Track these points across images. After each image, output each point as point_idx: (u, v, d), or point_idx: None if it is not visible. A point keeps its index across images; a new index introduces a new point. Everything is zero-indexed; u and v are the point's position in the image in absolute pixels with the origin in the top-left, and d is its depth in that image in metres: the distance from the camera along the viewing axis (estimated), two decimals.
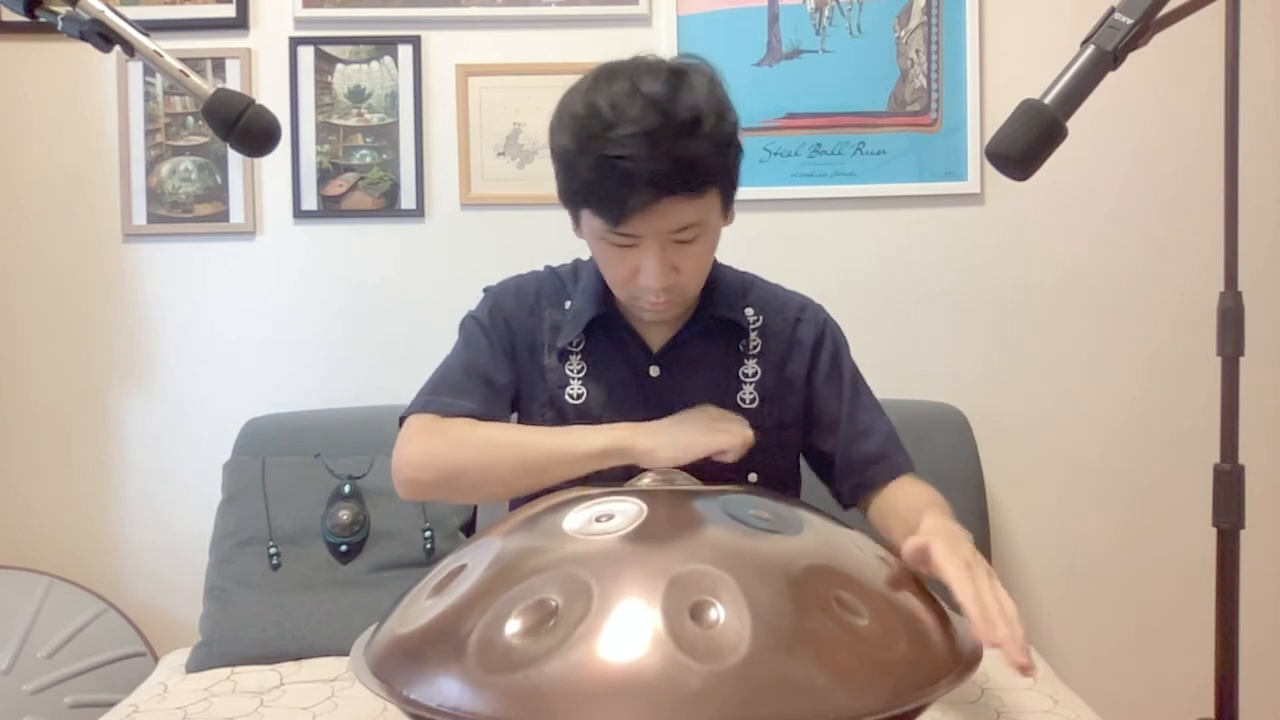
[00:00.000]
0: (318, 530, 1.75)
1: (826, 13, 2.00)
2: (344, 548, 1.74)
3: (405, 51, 2.01)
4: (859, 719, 0.69)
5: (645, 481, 0.96)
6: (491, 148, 2.01)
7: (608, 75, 1.04)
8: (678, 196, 1.02)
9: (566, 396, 1.20)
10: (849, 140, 2.01)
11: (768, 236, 1.96)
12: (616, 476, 1.07)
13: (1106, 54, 0.92)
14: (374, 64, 2.01)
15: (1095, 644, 2.06)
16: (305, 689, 1.53)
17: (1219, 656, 1.00)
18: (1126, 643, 2.06)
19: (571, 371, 1.21)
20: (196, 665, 1.66)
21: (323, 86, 2.01)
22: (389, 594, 0.92)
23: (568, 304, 1.24)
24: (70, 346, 2.03)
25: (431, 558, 1.74)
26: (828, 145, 2.01)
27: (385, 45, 2.01)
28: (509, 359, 1.22)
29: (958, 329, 2.03)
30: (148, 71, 1.99)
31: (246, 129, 0.95)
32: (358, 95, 2.01)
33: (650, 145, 0.99)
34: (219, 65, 2.01)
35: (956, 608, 0.83)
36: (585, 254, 1.26)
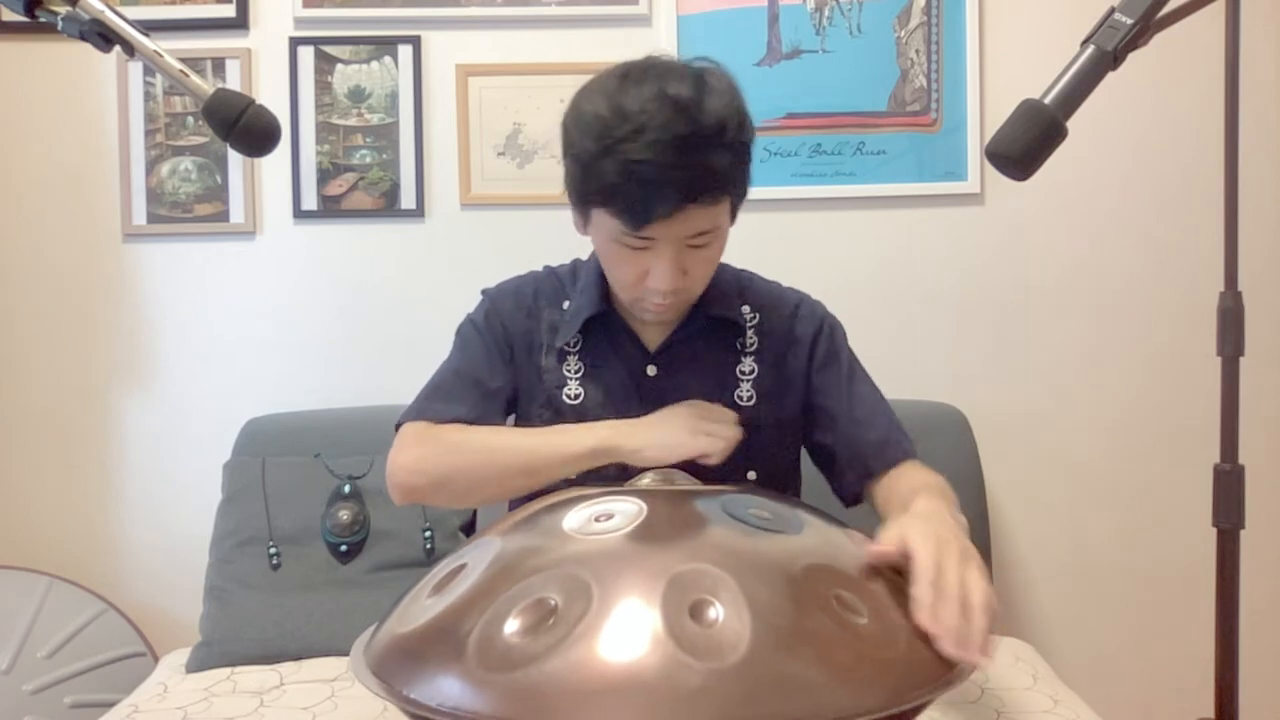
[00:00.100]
0: (318, 530, 1.75)
1: (826, 13, 2.00)
2: (344, 548, 1.74)
3: (405, 51, 2.01)
4: (859, 718, 0.68)
5: (645, 481, 0.96)
6: (491, 148, 2.01)
7: (634, 77, 1.03)
8: (699, 204, 1.03)
9: (564, 396, 1.20)
10: (849, 140, 2.01)
11: (768, 236, 1.96)
12: (612, 476, 1.07)
13: (1106, 54, 0.92)
14: (374, 64, 2.01)
15: (1095, 644, 2.06)
16: (305, 689, 1.53)
17: (1219, 656, 1.00)
18: (1126, 643, 2.06)
19: (569, 372, 1.21)
20: (196, 665, 1.66)
21: (323, 86, 2.01)
22: (389, 594, 0.92)
23: (566, 304, 1.24)
24: (70, 346, 2.03)
25: (431, 558, 1.74)
26: (828, 145, 2.01)
27: (385, 45, 2.01)
28: (505, 362, 1.23)
29: (958, 329, 2.03)
30: (148, 71, 1.99)
31: (246, 129, 0.95)
32: (358, 95, 2.02)
33: (678, 153, 0.99)
34: (219, 65, 2.01)
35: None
36: (585, 253, 1.27)
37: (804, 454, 1.29)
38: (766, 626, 0.71)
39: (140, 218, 2.01)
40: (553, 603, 0.73)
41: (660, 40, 1.98)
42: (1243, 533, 0.99)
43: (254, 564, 1.73)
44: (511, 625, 0.73)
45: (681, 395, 1.18)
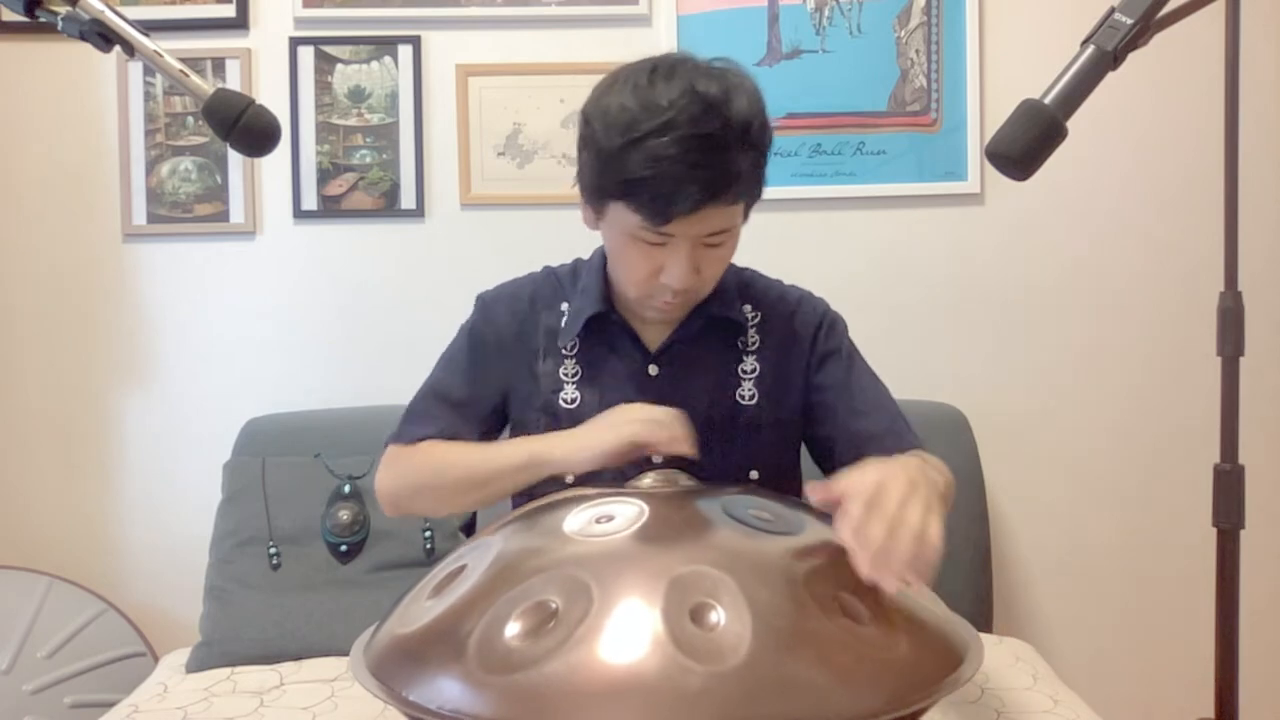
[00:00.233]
0: (318, 530, 1.75)
1: (826, 13, 2.00)
2: (344, 548, 1.74)
3: (405, 51, 2.01)
4: None
5: (646, 482, 0.95)
6: (491, 148, 2.01)
7: (663, 72, 1.03)
8: (720, 203, 1.03)
9: (560, 401, 1.20)
10: (849, 140, 2.01)
11: (768, 236, 1.95)
12: (610, 477, 1.07)
13: (1106, 54, 0.92)
14: (374, 64, 2.01)
15: (1095, 644, 2.06)
16: (305, 689, 1.53)
17: (1219, 656, 1.00)
18: (1126, 643, 2.06)
19: (566, 376, 1.21)
20: (196, 665, 1.66)
21: (323, 86, 2.01)
22: (389, 594, 0.92)
23: (564, 305, 1.23)
24: (70, 346, 2.03)
25: (431, 558, 1.74)
26: (828, 145, 2.01)
27: (385, 45, 2.01)
28: (486, 371, 1.24)
29: (958, 329, 2.03)
30: (148, 71, 1.99)
31: (246, 129, 0.95)
32: (358, 95, 2.01)
33: (706, 150, 0.99)
34: (219, 65, 2.01)
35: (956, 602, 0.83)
36: (586, 253, 1.26)
37: (804, 456, 1.28)
38: (767, 628, 0.71)
39: (140, 218, 2.01)
40: (553, 605, 0.73)
41: (660, 40, 1.97)
42: (1243, 533, 0.99)
43: (254, 564, 1.73)
44: (512, 627, 0.73)
45: (683, 395, 1.17)
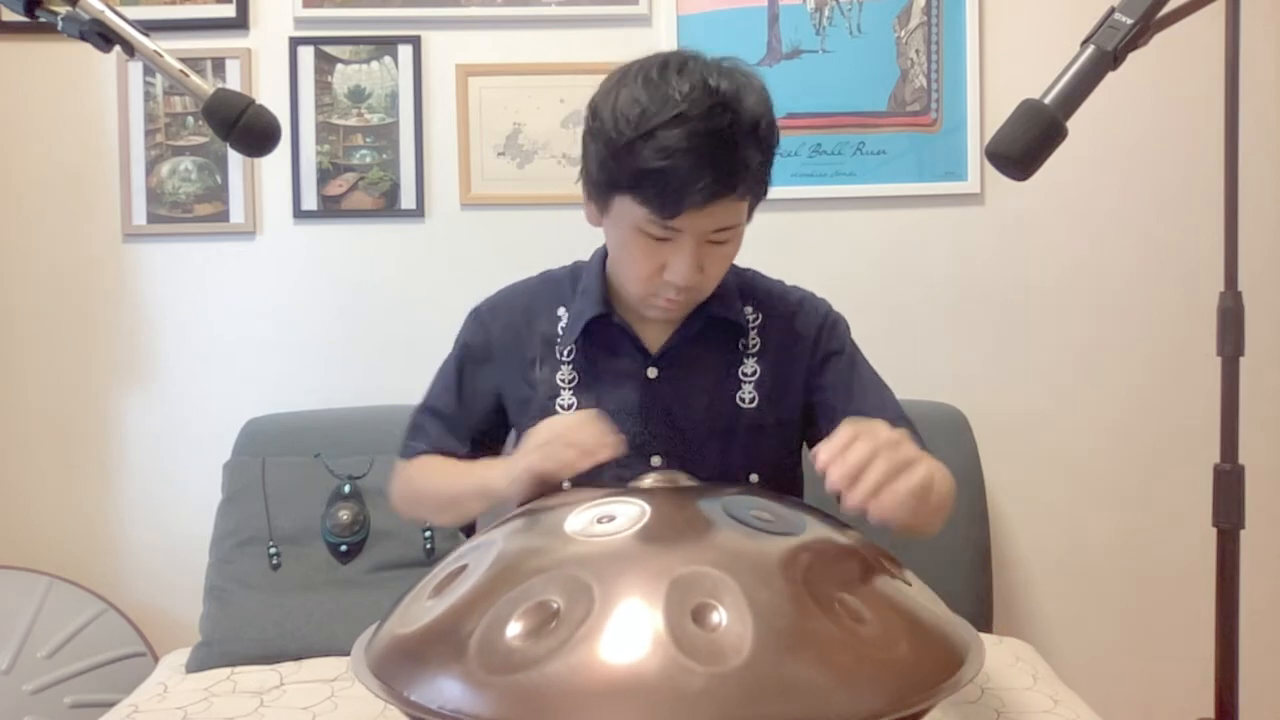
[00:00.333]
0: (318, 530, 1.75)
1: (826, 13, 2.00)
2: (344, 548, 1.74)
3: (405, 51, 2.01)
4: None
5: (647, 482, 0.95)
6: (491, 148, 2.01)
7: (674, 66, 1.03)
8: (730, 198, 1.03)
9: (557, 407, 1.20)
10: (849, 140, 2.01)
11: (768, 236, 1.93)
12: (612, 477, 1.07)
13: (1106, 54, 0.92)
14: (374, 64, 2.01)
15: (1095, 644, 2.06)
16: (305, 689, 1.53)
17: (1219, 656, 1.00)
18: (1126, 643, 2.06)
19: (563, 381, 1.21)
20: (196, 665, 1.66)
21: (323, 86, 2.01)
22: (389, 594, 0.92)
23: (561, 310, 1.23)
24: (70, 346, 2.03)
25: (431, 558, 1.74)
26: (828, 145, 2.01)
27: (385, 45, 2.01)
28: (480, 384, 1.26)
29: (958, 329, 2.03)
30: (148, 71, 1.99)
31: (246, 129, 0.95)
32: (358, 95, 2.01)
33: (717, 144, 1.00)
34: (219, 65, 2.01)
35: (951, 600, 0.83)
36: (586, 254, 1.26)
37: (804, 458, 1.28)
38: (768, 629, 0.71)
39: (140, 218, 2.01)
40: (554, 605, 0.73)
41: (660, 40, 1.97)
42: (1243, 533, 0.99)
43: (254, 564, 1.73)
44: (513, 627, 0.73)
45: (683, 398, 1.18)
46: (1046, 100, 0.93)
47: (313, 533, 1.75)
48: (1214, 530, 1.00)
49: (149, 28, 0.95)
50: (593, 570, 0.76)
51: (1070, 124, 0.93)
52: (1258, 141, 1.97)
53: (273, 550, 1.74)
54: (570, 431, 1.03)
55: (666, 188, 1.00)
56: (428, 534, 1.76)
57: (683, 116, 0.99)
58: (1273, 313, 1.98)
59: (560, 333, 1.22)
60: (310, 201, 2.02)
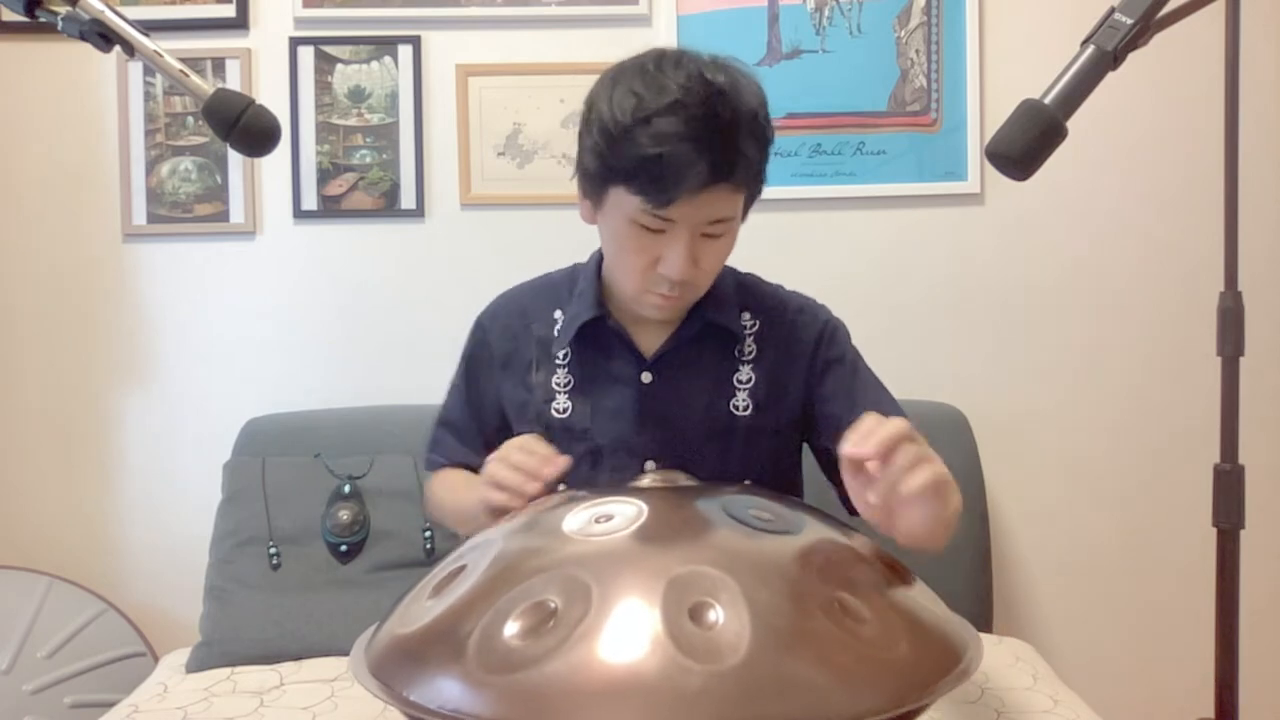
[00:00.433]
0: (318, 530, 1.75)
1: (826, 13, 2.00)
2: (344, 548, 1.74)
3: (405, 51, 2.01)
4: None
5: (645, 482, 0.95)
6: (491, 148, 2.01)
7: (670, 59, 1.04)
8: (724, 186, 1.03)
9: (552, 411, 1.20)
10: (849, 140, 2.01)
11: (768, 236, 1.96)
12: (610, 478, 1.07)
13: (1106, 54, 0.92)
14: (374, 64, 2.01)
15: (1095, 644, 2.06)
16: (305, 689, 1.53)
17: (1219, 656, 1.00)
18: (1126, 643, 2.06)
19: (558, 385, 1.21)
20: (196, 665, 1.66)
21: (323, 86, 2.01)
22: (389, 594, 0.92)
23: (557, 313, 1.23)
24: (70, 346, 2.03)
25: (431, 558, 1.74)
26: (828, 145, 2.01)
27: (385, 45, 2.01)
28: (486, 393, 1.27)
29: (958, 329, 2.03)
30: (148, 71, 1.99)
31: (246, 129, 0.95)
32: (358, 95, 2.01)
33: (713, 131, 1.00)
34: (219, 65, 2.01)
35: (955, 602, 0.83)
36: (586, 253, 1.26)
37: (805, 461, 1.28)
38: (766, 628, 0.71)
39: (140, 218, 2.01)
40: (552, 605, 0.73)
41: (660, 40, 1.96)
42: (1243, 533, 0.99)
43: (254, 564, 1.73)
44: (511, 627, 0.73)
45: (678, 403, 1.17)
46: (1046, 100, 0.93)
47: (313, 533, 1.75)
48: (1214, 530, 1.00)
49: (149, 28, 0.95)
50: (591, 570, 0.76)
51: (1070, 124, 0.93)
52: (1258, 141, 1.97)
53: (273, 550, 1.74)
54: (511, 455, 1.02)
55: (662, 174, 1.00)
56: (428, 534, 1.76)
57: (679, 104, 1.00)
58: (1273, 313, 1.98)
59: (556, 336, 1.22)
60: (310, 201, 2.02)
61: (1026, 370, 2.04)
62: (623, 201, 1.05)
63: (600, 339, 1.20)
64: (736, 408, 1.19)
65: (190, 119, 2.01)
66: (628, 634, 0.70)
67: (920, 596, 0.86)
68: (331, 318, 2.04)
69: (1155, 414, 2.03)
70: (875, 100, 2.01)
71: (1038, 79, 0.96)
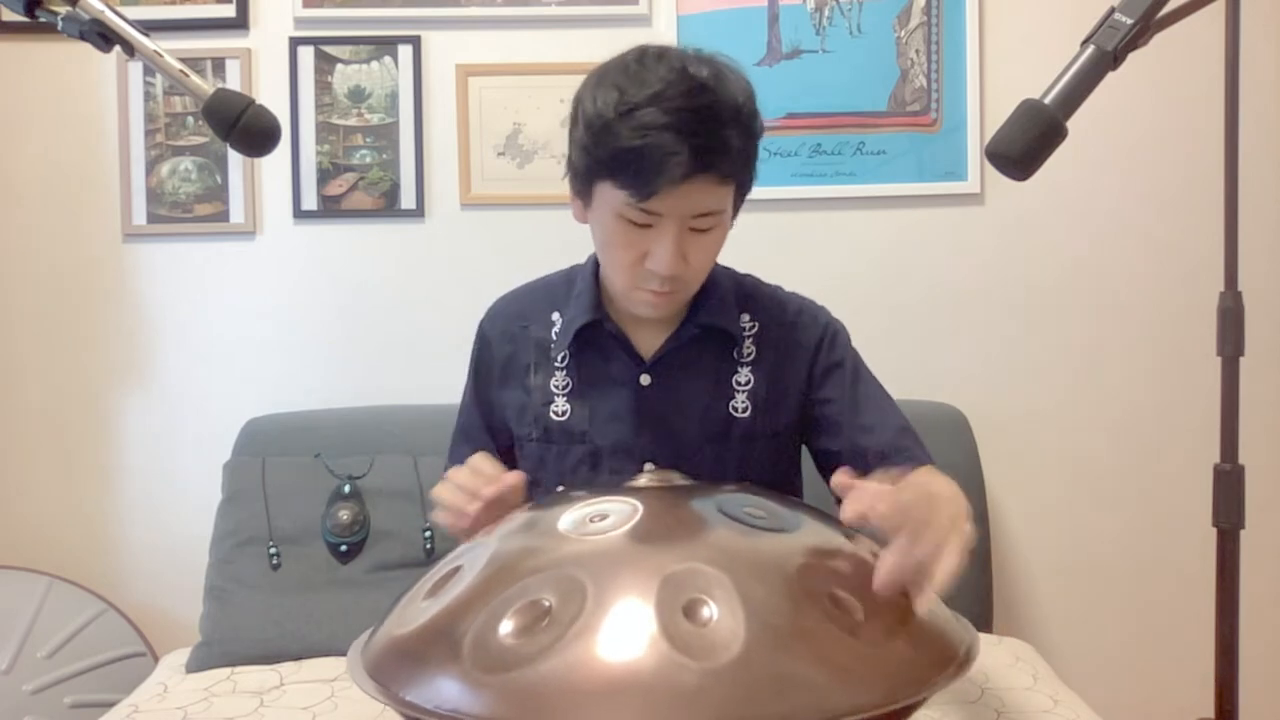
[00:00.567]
0: (318, 530, 1.75)
1: (826, 13, 2.00)
2: (344, 548, 1.74)
3: (405, 51, 2.01)
4: (854, 716, 0.68)
5: (641, 481, 0.95)
6: (491, 148, 2.01)
7: (653, 54, 1.05)
8: (709, 177, 1.02)
9: (551, 414, 1.20)
10: (849, 140, 2.01)
11: (768, 236, 1.96)
12: (608, 479, 1.07)
13: (1106, 54, 0.92)
14: (374, 64, 2.01)
15: (1095, 644, 2.06)
16: (305, 689, 1.53)
17: (1219, 656, 1.00)
18: (1126, 643, 2.06)
19: (556, 388, 1.20)
20: (196, 665, 1.66)
21: (323, 86, 2.01)
22: (389, 594, 0.92)
23: (555, 316, 1.23)
24: (70, 347, 2.03)
25: (431, 558, 1.74)
26: (828, 145, 2.01)
27: (385, 45, 2.01)
28: (492, 398, 1.27)
29: (958, 329, 2.03)
30: (148, 71, 1.99)
31: (246, 129, 0.95)
32: (358, 95, 2.02)
33: (695, 121, 1.00)
34: (219, 65, 2.01)
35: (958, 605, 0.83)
36: (583, 257, 1.26)
37: (805, 463, 1.28)
38: (761, 625, 0.71)
39: (140, 218, 2.01)
40: (547, 603, 0.73)
41: (660, 41, 1.97)
42: (1243, 533, 0.99)
43: (254, 564, 1.73)
44: (506, 626, 0.73)
45: (676, 405, 1.17)
46: (1046, 100, 0.93)
47: (313, 533, 1.75)
48: (1214, 530, 1.00)
49: (149, 28, 0.95)
50: (586, 568, 0.76)
51: (1070, 124, 0.93)
52: (1258, 141, 1.97)
53: (273, 550, 1.74)
54: (456, 476, 1.02)
55: (644, 165, 1.00)
56: (428, 534, 1.76)
57: (661, 95, 1.00)
58: (1273, 313, 1.98)
59: (554, 339, 1.22)
60: (310, 201, 2.02)
61: (1026, 370, 2.04)
62: (609, 197, 1.05)
63: (598, 342, 1.20)
64: (735, 410, 1.19)
65: (190, 119, 2.01)
66: (623, 632, 0.70)
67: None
68: (331, 318, 2.04)
69: (1155, 414, 2.03)
70: (875, 100, 2.01)
71: (1038, 79, 0.96)
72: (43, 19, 0.94)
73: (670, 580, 0.73)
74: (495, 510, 0.96)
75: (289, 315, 2.04)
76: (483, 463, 1.03)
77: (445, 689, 0.72)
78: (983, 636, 0.89)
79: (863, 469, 1.15)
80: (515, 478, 1.00)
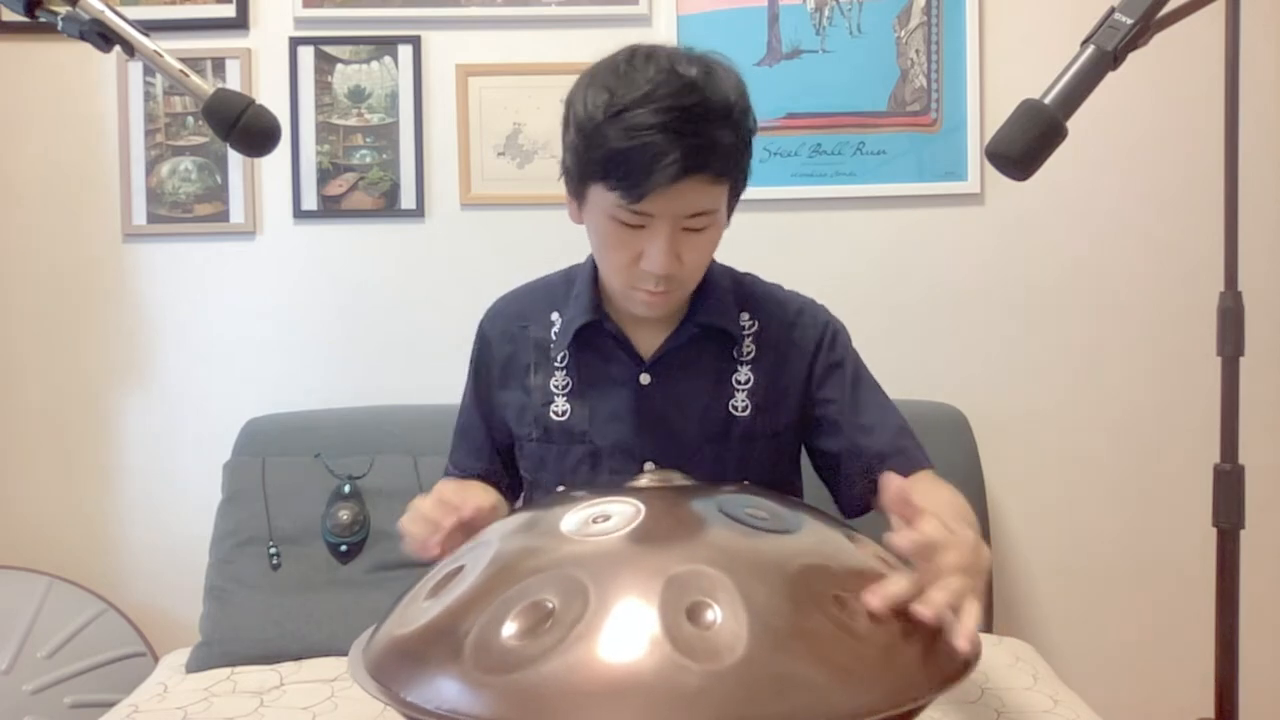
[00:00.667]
0: (318, 530, 1.75)
1: (826, 13, 2.00)
2: (344, 548, 1.74)
3: (405, 51, 2.01)
4: (857, 719, 0.68)
5: (643, 482, 0.95)
6: (491, 148, 2.01)
7: (643, 54, 1.04)
8: (700, 177, 1.01)
9: (551, 414, 1.20)
10: (849, 140, 2.01)
11: (768, 236, 1.96)
12: (609, 479, 1.07)
13: (1106, 54, 0.92)
14: (374, 64, 2.01)
15: (1095, 644, 2.06)
16: (305, 689, 1.54)
17: (1219, 656, 1.00)
18: (1126, 643, 2.06)
19: (556, 388, 1.20)
20: (196, 665, 1.66)
21: (323, 86, 2.01)
22: (389, 594, 0.92)
23: (555, 315, 1.23)
24: (70, 347, 2.03)
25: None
26: (828, 145, 2.01)
27: (385, 45, 2.01)
28: (491, 398, 1.27)
29: (958, 329, 2.03)
30: (148, 71, 1.99)
31: (246, 129, 0.95)
32: (358, 95, 2.01)
33: (685, 121, 0.99)
34: (219, 65, 2.01)
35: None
36: (583, 257, 1.26)
37: (805, 465, 1.27)
38: (764, 627, 0.71)
39: (140, 218, 2.01)
40: (549, 605, 0.73)
41: (660, 41, 1.97)
42: (1243, 533, 0.99)
43: (254, 564, 1.73)
44: (509, 627, 0.73)
45: (675, 405, 1.17)
46: (1046, 100, 0.93)
47: (313, 533, 1.75)
48: (1214, 530, 1.00)
49: (149, 28, 0.95)
50: (588, 569, 0.76)
51: (1070, 124, 0.93)
52: (1258, 141, 1.97)
53: (273, 550, 1.74)
54: (421, 505, 1.02)
55: (634, 167, 0.99)
56: None
57: (650, 95, 0.99)
58: (1273, 313, 1.98)
59: (554, 339, 1.22)
60: (310, 201, 2.02)
61: (1026, 370, 2.04)
62: (601, 198, 1.05)
63: (598, 341, 1.20)
64: (735, 409, 1.19)
65: (190, 119, 2.01)
66: (625, 633, 0.70)
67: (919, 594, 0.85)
68: (331, 318, 2.04)
69: (1155, 414, 2.03)
70: (875, 100, 2.01)
71: (1038, 79, 0.96)
72: (43, 19, 0.94)
73: (674, 582, 0.73)
74: (465, 534, 0.96)
75: (289, 315, 2.04)
76: (449, 491, 1.03)
77: (446, 689, 0.72)
78: (983, 636, 0.89)
79: (862, 469, 1.16)
80: (482, 501, 1.00)
